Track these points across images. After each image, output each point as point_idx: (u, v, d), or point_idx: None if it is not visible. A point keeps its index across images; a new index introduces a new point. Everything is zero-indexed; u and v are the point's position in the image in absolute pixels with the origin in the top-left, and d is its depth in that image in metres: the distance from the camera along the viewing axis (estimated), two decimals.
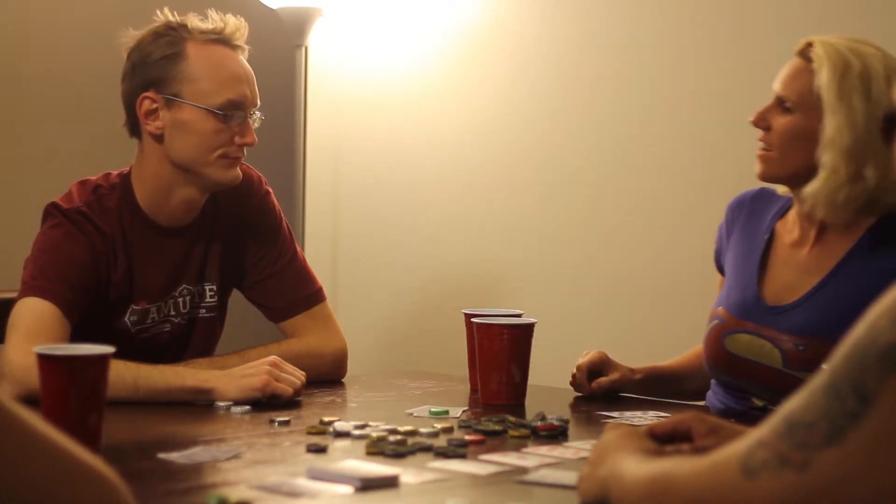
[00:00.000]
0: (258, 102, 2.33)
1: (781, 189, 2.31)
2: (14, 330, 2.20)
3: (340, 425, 1.89)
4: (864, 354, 1.04)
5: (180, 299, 2.37)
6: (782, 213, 2.31)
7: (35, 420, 1.03)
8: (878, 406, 1.03)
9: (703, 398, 2.33)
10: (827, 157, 2.15)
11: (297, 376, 2.17)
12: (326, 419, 1.94)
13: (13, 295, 2.51)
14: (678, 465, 1.19)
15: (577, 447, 1.79)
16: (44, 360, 1.69)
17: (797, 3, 2.92)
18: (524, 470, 1.64)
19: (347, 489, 1.52)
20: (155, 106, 2.28)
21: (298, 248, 2.51)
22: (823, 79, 2.16)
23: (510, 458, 1.70)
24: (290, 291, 2.45)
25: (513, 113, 3.40)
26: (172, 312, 2.36)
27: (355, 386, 2.42)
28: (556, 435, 1.88)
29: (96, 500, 1.04)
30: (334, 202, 3.73)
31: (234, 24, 2.32)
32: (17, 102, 3.44)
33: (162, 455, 1.68)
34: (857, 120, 2.14)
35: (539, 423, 1.90)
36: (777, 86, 2.23)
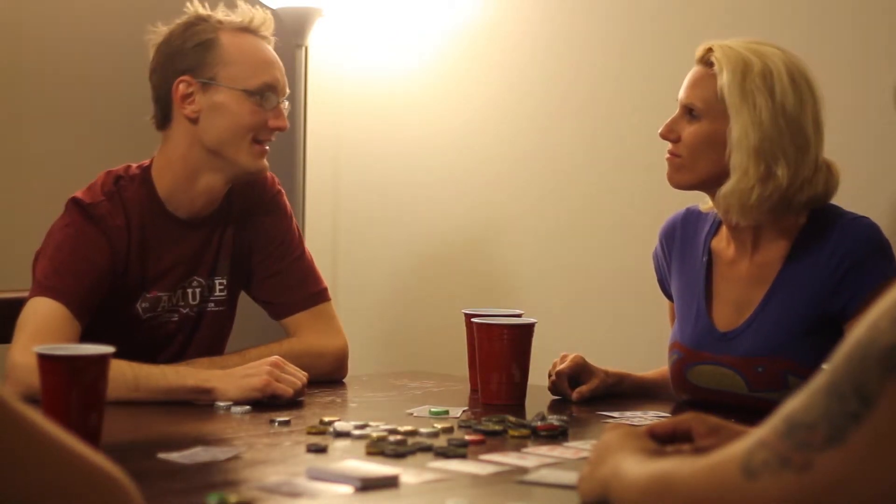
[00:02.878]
0: (287, 91, 2.39)
1: (704, 206, 2.30)
2: (22, 330, 2.20)
3: (340, 425, 1.89)
4: (864, 355, 1.04)
5: (190, 290, 2.39)
6: (715, 230, 2.30)
7: (44, 422, 1.02)
8: (879, 407, 1.02)
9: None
10: (736, 159, 2.15)
11: (298, 377, 2.17)
12: (326, 419, 1.94)
13: (13, 295, 2.51)
14: (678, 466, 1.19)
15: (577, 447, 1.79)
16: (44, 360, 1.69)
17: (792, 2, 2.92)
18: (524, 470, 1.64)
19: (347, 489, 1.51)
20: (191, 90, 2.31)
21: (307, 249, 2.52)
22: (725, 81, 2.16)
23: (510, 458, 1.70)
24: (294, 288, 2.46)
25: (512, 113, 3.40)
26: (182, 303, 2.38)
27: (355, 386, 2.42)
28: (556, 435, 1.88)
29: (103, 502, 1.04)
30: (334, 202, 3.73)
31: (262, 16, 2.38)
32: (18, 102, 3.44)
33: (162, 455, 1.68)
34: (763, 119, 2.13)
35: (539, 423, 1.90)
36: (682, 95, 2.23)
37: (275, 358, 2.17)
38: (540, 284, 3.33)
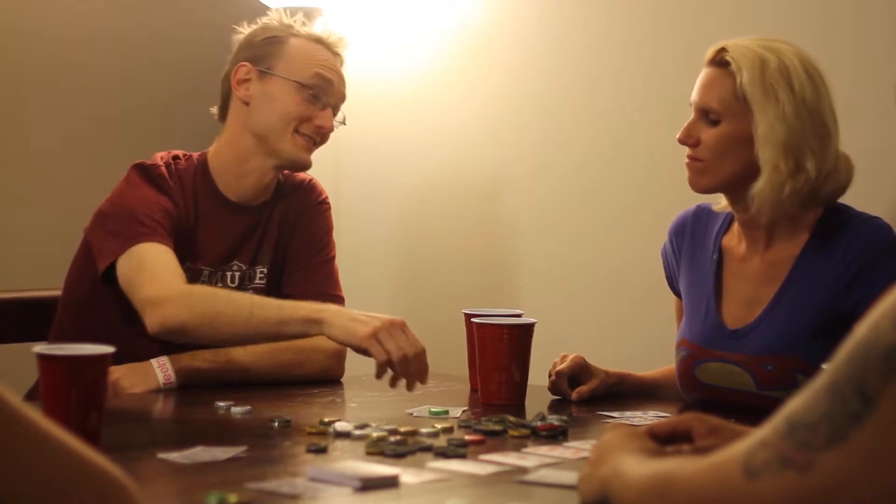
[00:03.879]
0: (344, 99, 2.51)
1: (718, 206, 2.30)
2: (142, 276, 2.24)
3: (340, 425, 1.88)
4: (866, 355, 1.04)
5: (229, 273, 2.45)
6: (727, 228, 2.30)
7: (44, 421, 1.02)
8: (881, 407, 1.02)
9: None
10: (765, 155, 2.14)
11: (410, 345, 2.09)
12: (326, 419, 1.94)
13: (13, 295, 2.51)
14: (680, 466, 1.19)
15: (577, 447, 1.79)
16: (44, 360, 1.69)
17: (792, 4, 2.92)
18: (524, 470, 1.64)
19: (347, 489, 1.52)
20: (249, 77, 2.45)
21: (335, 262, 2.58)
22: (745, 79, 2.15)
23: (510, 458, 1.70)
24: (312, 285, 2.51)
25: (512, 112, 3.40)
26: (219, 284, 2.43)
27: (355, 386, 2.41)
28: (556, 435, 1.88)
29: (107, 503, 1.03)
30: (334, 202, 3.69)
31: (338, 36, 2.52)
32: (19, 102, 3.43)
33: (162, 455, 1.68)
34: (787, 112, 2.13)
35: (539, 423, 1.90)
36: (696, 98, 2.21)
37: (398, 319, 2.11)
38: (540, 284, 3.33)
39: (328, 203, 2.61)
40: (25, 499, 0.99)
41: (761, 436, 1.10)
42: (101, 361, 1.70)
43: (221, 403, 2.10)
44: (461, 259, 3.49)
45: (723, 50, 2.19)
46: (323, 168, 3.69)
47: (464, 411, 2.08)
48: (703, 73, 2.22)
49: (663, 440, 1.42)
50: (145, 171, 2.38)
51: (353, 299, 3.60)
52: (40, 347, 1.72)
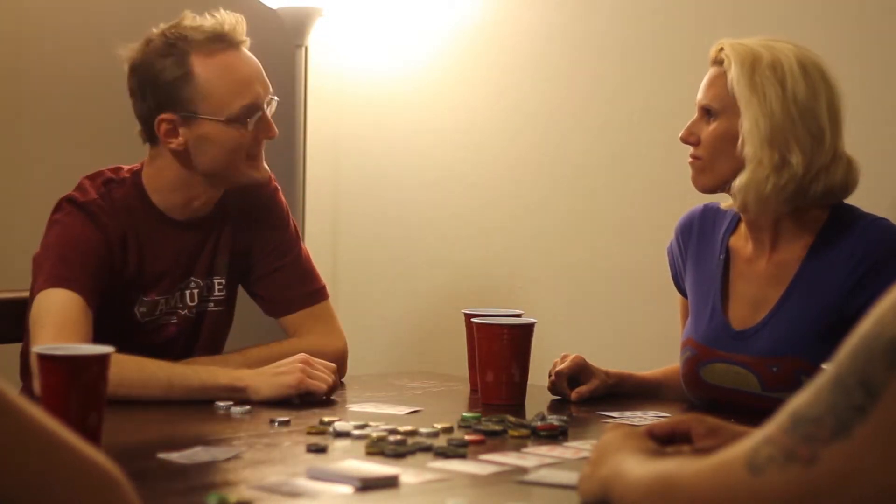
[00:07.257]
0: (270, 89, 2.34)
1: (725, 204, 2.30)
2: (41, 325, 2.17)
3: (340, 425, 1.88)
4: (870, 348, 1.04)
5: (187, 292, 2.38)
6: (734, 228, 2.30)
7: (37, 412, 1.02)
8: (885, 399, 1.02)
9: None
10: (749, 150, 2.15)
11: (327, 372, 2.18)
12: (326, 419, 1.94)
13: (13, 295, 2.50)
14: (682, 465, 1.19)
15: (577, 447, 1.79)
16: (44, 359, 1.69)
17: (795, 2, 2.92)
18: (524, 470, 1.64)
19: (347, 489, 1.52)
20: (173, 125, 2.28)
21: (304, 246, 2.52)
22: (733, 74, 2.16)
23: (510, 458, 1.70)
24: (293, 287, 2.46)
25: (513, 113, 3.40)
26: (180, 305, 2.37)
27: (355, 386, 2.41)
28: (556, 435, 1.87)
29: (98, 497, 1.03)
30: (334, 202, 3.73)
31: (231, 21, 2.31)
32: (19, 103, 3.44)
33: (162, 455, 1.68)
34: (773, 108, 2.13)
35: (539, 423, 1.90)
36: (699, 97, 2.23)
37: (304, 355, 2.18)
38: (540, 284, 3.33)
39: (277, 186, 2.49)
40: (15, 491, 0.99)
41: (765, 433, 1.10)
42: (101, 361, 1.70)
43: (221, 403, 2.10)
44: (461, 259, 3.49)
45: (721, 49, 2.20)
46: (323, 168, 3.71)
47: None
48: (707, 73, 2.24)
49: (662, 440, 1.42)
50: (81, 207, 2.27)
51: (354, 300, 3.62)
52: (40, 347, 1.72)
